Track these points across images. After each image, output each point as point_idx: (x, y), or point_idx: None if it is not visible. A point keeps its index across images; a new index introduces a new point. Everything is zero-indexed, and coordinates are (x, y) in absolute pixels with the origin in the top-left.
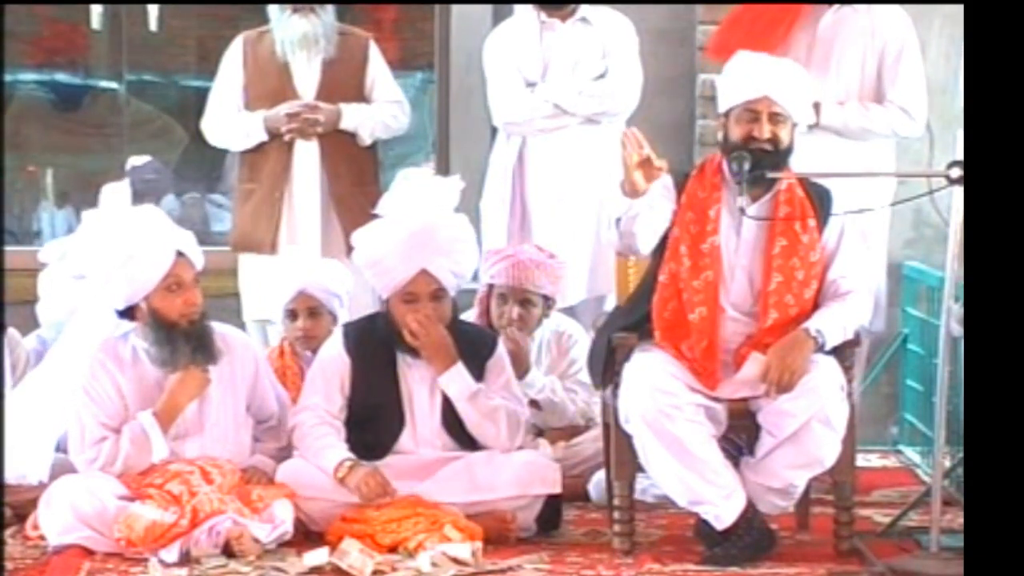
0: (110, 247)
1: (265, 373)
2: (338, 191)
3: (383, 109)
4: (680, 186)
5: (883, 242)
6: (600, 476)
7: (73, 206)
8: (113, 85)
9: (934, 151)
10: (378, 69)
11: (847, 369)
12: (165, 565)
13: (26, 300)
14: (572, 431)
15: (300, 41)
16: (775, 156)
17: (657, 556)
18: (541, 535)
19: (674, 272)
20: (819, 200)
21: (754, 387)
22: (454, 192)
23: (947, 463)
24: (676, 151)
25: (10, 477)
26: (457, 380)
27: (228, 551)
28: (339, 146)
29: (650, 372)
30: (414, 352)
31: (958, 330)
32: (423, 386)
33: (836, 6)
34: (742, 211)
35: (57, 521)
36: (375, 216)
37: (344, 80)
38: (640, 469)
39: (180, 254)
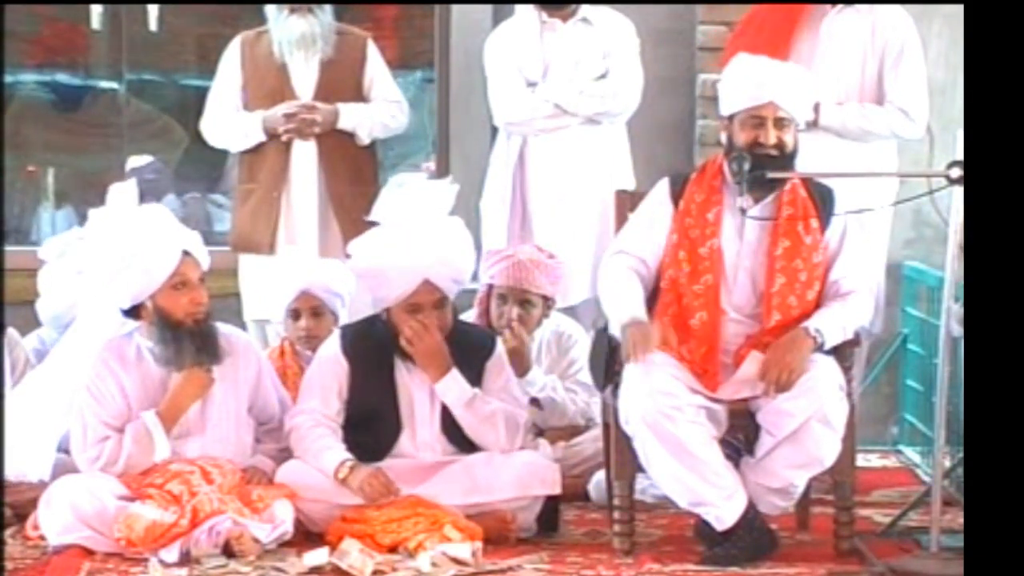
0: (117, 246)
1: (268, 374)
2: (336, 191)
3: (381, 109)
4: (677, 193)
5: (883, 242)
6: (600, 476)
7: (73, 206)
8: (113, 85)
9: (934, 151)
10: (376, 68)
11: (847, 369)
12: (165, 565)
13: (26, 300)
14: (572, 431)
15: (298, 41)
16: (781, 161)
17: (657, 556)
18: (541, 535)
19: (673, 278)
20: (822, 200)
21: (754, 386)
22: (449, 196)
23: (947, 463)
24: (676, 151)
25: (10, 475)
26: (453, 387)
27: (228, 551)
28: (337, 146)
29: (651, 373)
30: (412, 358)
31: (958, 330)
32: (423, 391)
33: (838, 7)
34: (743, 211)
35: (57, 521)
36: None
37: (342, 80)
38: (640, 469)
39: (186, 253)
